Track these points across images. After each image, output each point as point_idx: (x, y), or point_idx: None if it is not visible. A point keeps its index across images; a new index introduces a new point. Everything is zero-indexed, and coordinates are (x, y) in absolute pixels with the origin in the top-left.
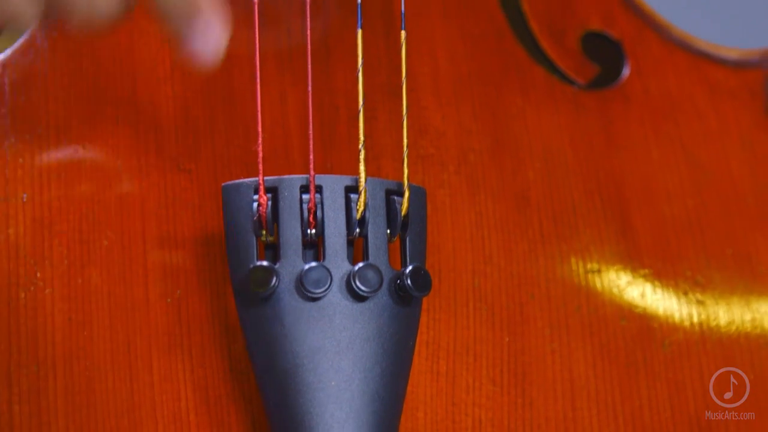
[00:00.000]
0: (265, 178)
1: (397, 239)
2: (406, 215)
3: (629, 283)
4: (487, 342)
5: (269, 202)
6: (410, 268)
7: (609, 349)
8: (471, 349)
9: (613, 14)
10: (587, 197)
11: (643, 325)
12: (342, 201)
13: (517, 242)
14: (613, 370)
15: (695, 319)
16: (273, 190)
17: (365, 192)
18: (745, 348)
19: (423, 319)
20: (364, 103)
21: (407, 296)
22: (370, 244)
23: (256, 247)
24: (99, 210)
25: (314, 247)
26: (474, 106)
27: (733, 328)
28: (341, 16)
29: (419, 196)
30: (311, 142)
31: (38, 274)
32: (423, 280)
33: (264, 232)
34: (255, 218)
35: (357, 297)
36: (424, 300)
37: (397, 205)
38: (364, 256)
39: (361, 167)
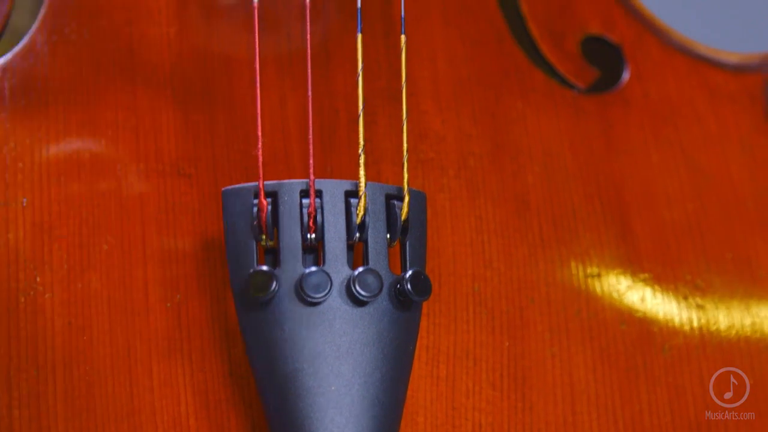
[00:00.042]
0: (265, 182)
1: (397, 244)
2: (406, 220)
3: (629, 288)
4: (487, 346)
5: (269, 207)
6: (410, 272)
7: (609, 354)
8: (471, 354)
9: (613, 18)
10: (587, 201)
11: (643, 330)
12: (342, 206)
13: (517, 246)
14: (613, 374)
15: (695, 324)
16: (273, 195)
17: (365, 197)
18: (745, 352)
19: (423, 323)
20: (364, 107)
21: (407, 301)
22: (370, 249)
23: (256, 251)
24: (99, 214)
25: (314, 251)
26: (474, 110)
27: (733, 332)
28: (341, 21)
29: (419, 200)
30: (311, 147)
31: (38, 279)
32: (423, 285)
33: (264, 236)
34: (255, 223)
35: (357, 302)
36: (424, 304)
37: (397, 209)
38: (364, 261)
39: (361, 172)
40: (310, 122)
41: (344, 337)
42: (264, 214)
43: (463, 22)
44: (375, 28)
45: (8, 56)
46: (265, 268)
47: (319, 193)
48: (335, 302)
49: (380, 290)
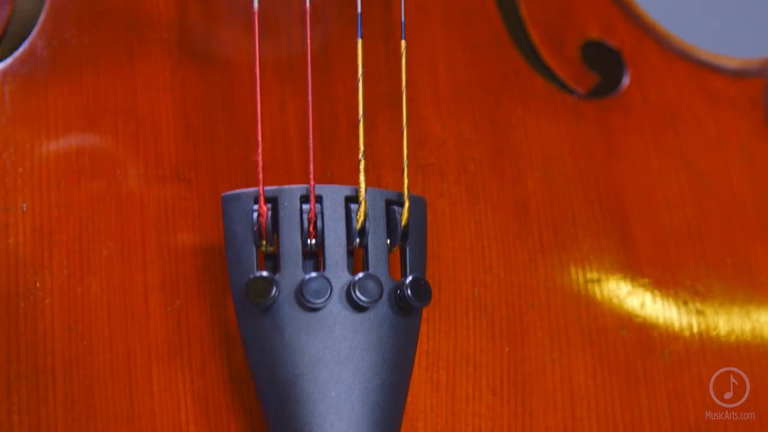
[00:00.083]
0: (265, 188)
1: (397, 249)
2: (406, 225)
3: (629, 293)
4: (487, 352)
5: (269, 212)
6: (410, 278)
7: (609, 359)
8: (471, 359)
9: (613, 23)
10: (587, 206)
11: (643, 335)
12: (342, 211)
13: (517, 252)
14: (613, 379)
15: (695, 329)
16: (273, 200)
17: (365, 202)
18: (744, 357)
19: (423, 329)
20: (364, 112)
21: (407, 306)
22: (370, 255)
23: (256, 257)
24: (99, 219)
25: (314, 257)
26: (474, 116)
27: (733, 337)
28: (341, 26)
29: (419, 206)
30: (311, 152)
31: (38, 284)
32: (423, 291)
33: (264, 242)
34: (255, 228)
35: (357, 307)
36: (424, 310)
37: (397, 215)
38: (364, 267)
39: (361, 177)
40: (311, 127)
41: (344, 342)
42: (264, 220)
43: (463, 27)
44: (375, 33)
45: (8, 61)
46: (265, 273)
47: (319, 199)
48: (335, 308)
49: (380, 296)
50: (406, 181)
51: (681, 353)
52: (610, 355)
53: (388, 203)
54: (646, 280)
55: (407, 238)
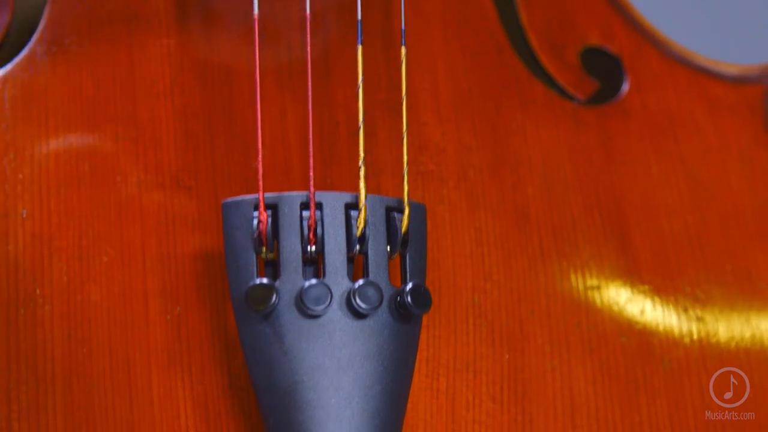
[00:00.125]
0: (265, 194)
1: (397, 256)
2: (406, 232)
3: (629, 300)
4: (487, 359)
5: (269, 219)
6: (410, 285)
7: (609, 366)
8: (471, 366)
9: (613, 29)
10: (587, 213)
11: (643, 342)
12: (342, 218)
13: (517, 258)
14: (613, 387)
15: (695, 336)
16: (273, 207)
17: (365, 209)
18: (745, 364)
19: (423, 335)
20: (364, 119)
21: (407, 314)
22: (370, 262)
23: (256, 264)
24: (99, 226)
25: (314, 264)
26: (474, 122)
27: (733, 344)
28: (341, 32)
29: (419, 212)
30: (311, 159)
31: (37, 291)
32: (423, 298)
33: (264, 249)
34: (255, 235)
35: (357, 314)
36: (424, 317)
37: (397, 222)
38: (364, 274)
39: (361, 184)
40: (310, 134)
41: (344, 349)
42: (264, 227)
43: (463, 34)
44: (375, 40)
45: (8, 67)
46: (265, 280)
47: (319, 206)
48: (335, 315)
49: (380, 303)
50: (406, 187)
51: (681, 360)
52: (610, 362)
53: (388, 210)
54: (646, 287)
55: (407, 245)
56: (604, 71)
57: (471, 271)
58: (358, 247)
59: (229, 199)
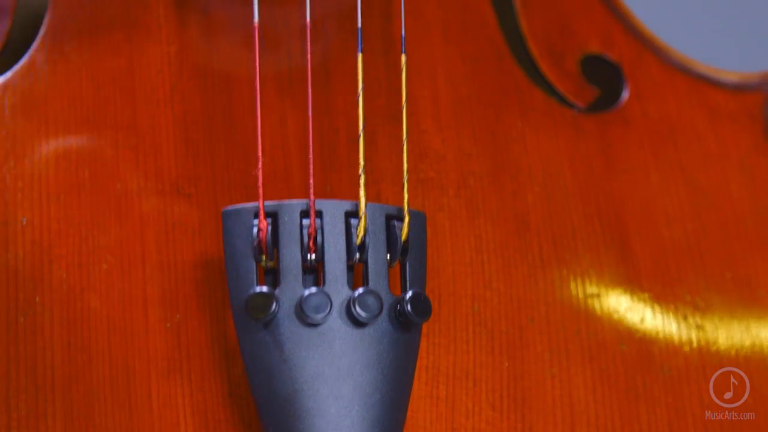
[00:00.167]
0: (265, 202)
1: (397, 264)
2: (406, 240)
3: (629, 308)
4: (487, 367)
5: (269, 227)
6: (410, 293)
7: (609, 374)
8: (471, 374)
9: (613, 37)
10: (587, 221)
11: (643, 350)
12: (342, 226)
13: (517, 266)
14: (613, 395)
15: (695, 344)
16: (273, 215)
17: (365, 217)
18: (744, 372)
19: (422, 343)
20: (364, 126)
21: (407, 322)
22: (370, 270)
23: (256, 272)
24: (98, 233)
25: (314, 272)
26: (474, 130)
27: (733, 352)
28: (341, 40)
29: (419, 220)
30: (311, 167)
31: (37, 299)
32: (423, 306)
33: (264, 257)
34: (255, 243)
35: (357, 323)
36: (424, 325)
37: (397, 230)
38: (364, 282)
39: (361, 192)
40: (311, 141)
41: (344, 358)
42: (264, 235)
43: (463, 41)
44: (375, 47)
45: (8, 74)
46: (264, 289)
47: (319, 214)
48: (335, 323)
49: (380, 311)
50: (406, 196)
51: (681, 368)
52: (610, 370)
53: (388, 218)
54: (646, 295)
55: (407, 253)
56: (604, 79)
57: (471, 279)
58: (358, 255)
59: (229, 207)
